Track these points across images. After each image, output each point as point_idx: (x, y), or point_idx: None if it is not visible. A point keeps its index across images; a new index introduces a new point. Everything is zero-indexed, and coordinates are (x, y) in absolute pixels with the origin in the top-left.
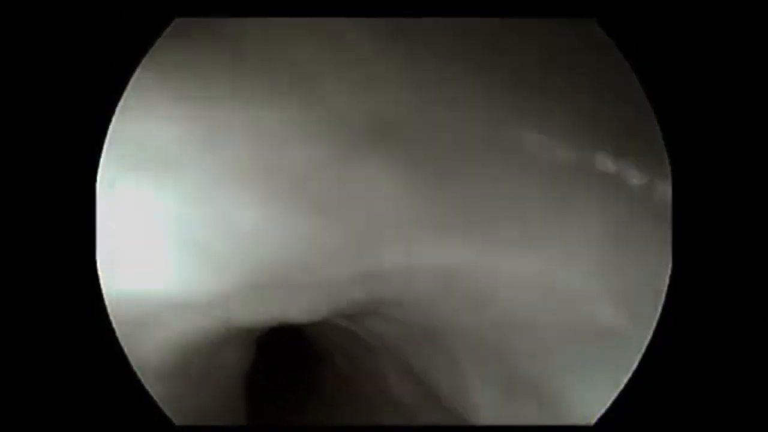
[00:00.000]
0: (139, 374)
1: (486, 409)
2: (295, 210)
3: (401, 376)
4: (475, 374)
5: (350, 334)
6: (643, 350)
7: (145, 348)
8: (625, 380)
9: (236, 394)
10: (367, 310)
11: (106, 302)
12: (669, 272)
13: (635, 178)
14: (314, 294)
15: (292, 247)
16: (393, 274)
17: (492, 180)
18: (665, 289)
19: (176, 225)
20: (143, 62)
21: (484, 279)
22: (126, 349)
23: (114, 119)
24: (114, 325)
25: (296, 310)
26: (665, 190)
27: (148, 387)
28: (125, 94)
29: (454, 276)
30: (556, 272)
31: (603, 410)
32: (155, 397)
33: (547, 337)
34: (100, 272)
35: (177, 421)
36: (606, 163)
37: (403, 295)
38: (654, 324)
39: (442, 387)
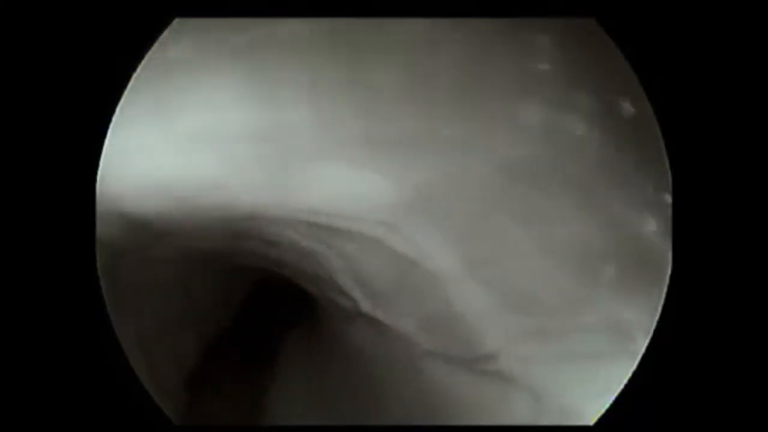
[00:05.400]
0: None
1: None
2: None
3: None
4: None
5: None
6: (643, 350)
7: None
8: (625, 380)
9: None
10: None
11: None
12: (669, 272)
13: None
14: None
15: None
16: None
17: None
18: (665, 288)
19: None
20: (143, 62)
21: None
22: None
23: (114, 119)
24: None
25: None
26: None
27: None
28: (125, 95)
29: None
30: None
31: (603, 410)
32: None
33: None
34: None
35: None
36: None
37: None
38: (654, 323)
39: None
